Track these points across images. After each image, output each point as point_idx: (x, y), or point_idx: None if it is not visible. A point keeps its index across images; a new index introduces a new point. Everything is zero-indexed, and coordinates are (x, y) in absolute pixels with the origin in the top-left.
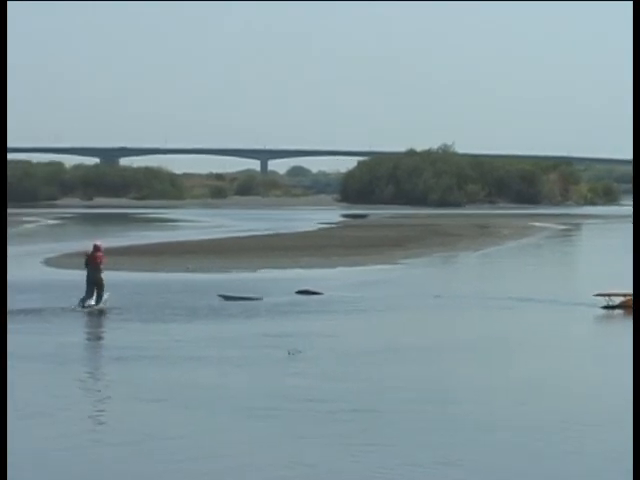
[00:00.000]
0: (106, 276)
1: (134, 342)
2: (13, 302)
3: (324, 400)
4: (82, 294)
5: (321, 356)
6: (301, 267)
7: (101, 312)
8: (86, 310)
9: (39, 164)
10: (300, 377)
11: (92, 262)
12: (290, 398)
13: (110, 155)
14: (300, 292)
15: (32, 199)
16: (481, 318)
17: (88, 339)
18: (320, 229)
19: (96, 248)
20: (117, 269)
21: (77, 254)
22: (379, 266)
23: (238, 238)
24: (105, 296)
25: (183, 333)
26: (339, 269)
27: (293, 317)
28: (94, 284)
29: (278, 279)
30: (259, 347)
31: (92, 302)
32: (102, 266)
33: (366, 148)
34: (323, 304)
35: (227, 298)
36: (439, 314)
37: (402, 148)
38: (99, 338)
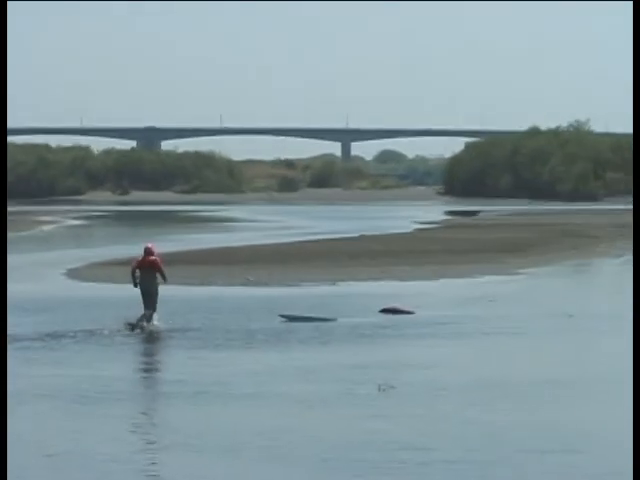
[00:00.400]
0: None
1: (185, 375)
2: (35, 325)
3: (420, 448)
4: (117, 312)
5: (418, 393)
6: (391, 279)
7: (151, 335)
8: (136, 331)
9: (59, 149)
10: (392, 420)
11: (144, 270)
12: (379, 446)
13: (149, 137)
14: (385, 311)
15: (50, 193)
16: (628, 345)
17: (132, 371)
18: (417, 230)
19: (148, 252)
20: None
21: (110, 263)
22: (492, 277)
23: (311, 243)
24: (155, 316)
25: (241, 363)
26: (441, 282)
27: (378, 343)
28: (149, 296)
29: (360, 294)
30: (337, 381)
31: (154, 321)
32: (161, 271)
33: (476, 126)
34: (416, 326)
35: (291, 319)
36: (569, 339)
37: (522, 126)
38: (144, 370)
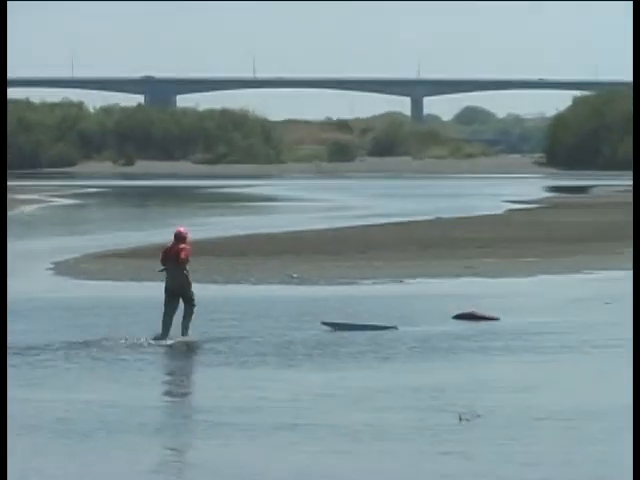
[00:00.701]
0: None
1: (209, 399)
2: (11, 335)
3: None
4: (116, 320)
5: (510, 424)
6: (476, 275)
7: (189, 347)
8: (163, 344)
9: (44, 106)
10: (478, 460)
11: (172, 260)
12: None
13: (161, 91)
14: (460, 316)
15: (33, 164)
16: None
17: (153, 395)
18: (510, 212)
19: (178, 237)
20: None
21: (109, 255)
22: (606, 273)
23: (372, 228)
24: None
25: (278, 385)
26: (539, 279)
27: (452, 359)
28: (178, 296)
29: (434, 295)
30: (403, 409)
31: (186, 337)
32: (187, 265)
33: (587, 76)
34: (504, 337)
35: (338, 327)
36: None
37: None
38: (161, 394)
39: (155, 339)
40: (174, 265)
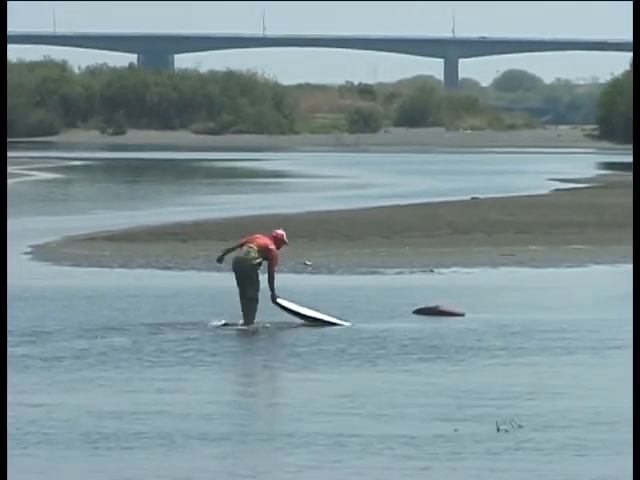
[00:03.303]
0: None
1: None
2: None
3: None
4: (104, 312)
5: (554, 437)
6: (517, 264)
7: (246, 334)
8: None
9: (21, 66)
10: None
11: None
12: None
13: (156, 49)
14: (422, 311)
15: (9, 133)
16: None
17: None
18: (558, 192)
19: (277, 239)
20: (169, 267)
21: (95, 238)
22: None
23: (399, 209)
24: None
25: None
26: (590, 269)
27: (475, 361)
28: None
29: (466, 287)
30: (437, 419)
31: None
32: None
33: None
34: (523, 334)
35: (285, 309)
36: None
37: None
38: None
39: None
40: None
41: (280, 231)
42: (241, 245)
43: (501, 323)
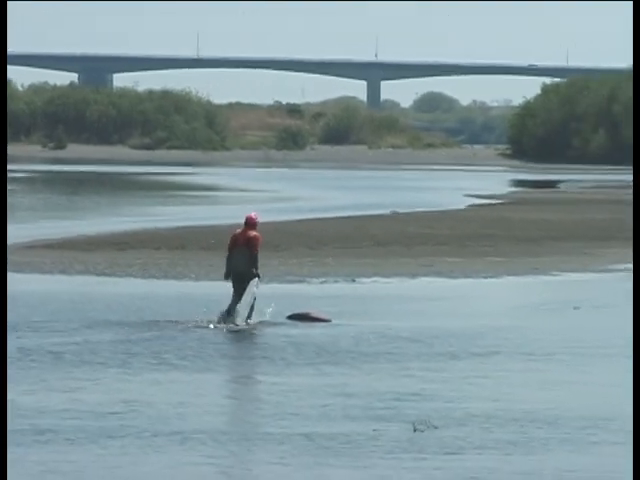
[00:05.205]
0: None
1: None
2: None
3: None
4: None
5: (470, 432)
6: (435, 274)
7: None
8: (231, 326)
9: None
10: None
11: (238, 248)
12: None
13: (96, 69)
14: (294, 317)
15: None
16: None
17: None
18: (472, 208)
19: (248, 223)
20: (107, 273)
21: (36, 246)
22: (570, 275)
23: (322, 221)
24: (240, 314)
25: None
26: (504, 280)
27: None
28: (245, 280)
29: (386, 296)
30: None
31: (237, 320)
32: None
33: (558, 62)
34: (447, 341)
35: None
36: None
37: (623, 64)
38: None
39: (247, 322)
40: (245, 253)
41: (252, 215)
42: (231, 249)
43: (372, 330)
